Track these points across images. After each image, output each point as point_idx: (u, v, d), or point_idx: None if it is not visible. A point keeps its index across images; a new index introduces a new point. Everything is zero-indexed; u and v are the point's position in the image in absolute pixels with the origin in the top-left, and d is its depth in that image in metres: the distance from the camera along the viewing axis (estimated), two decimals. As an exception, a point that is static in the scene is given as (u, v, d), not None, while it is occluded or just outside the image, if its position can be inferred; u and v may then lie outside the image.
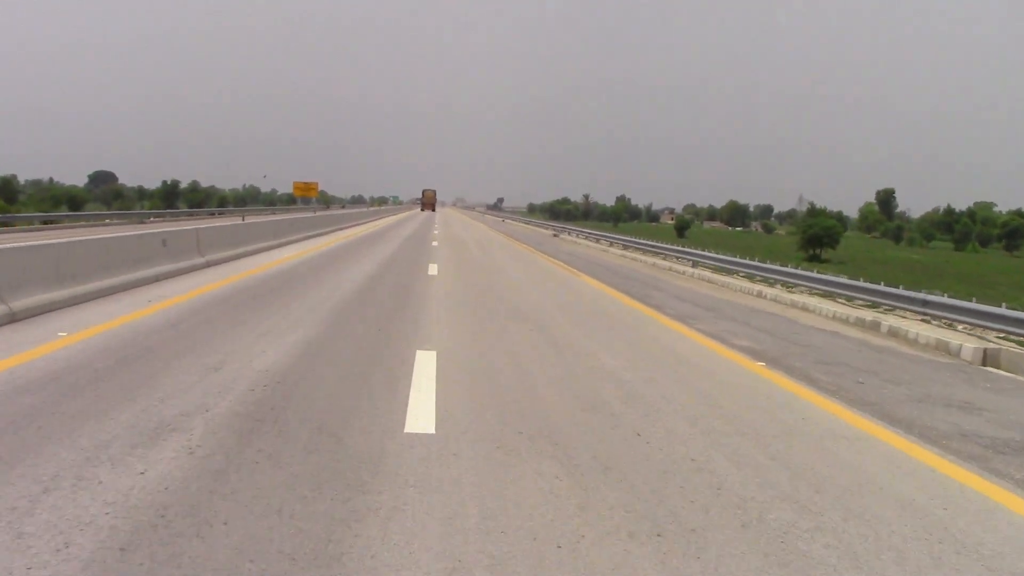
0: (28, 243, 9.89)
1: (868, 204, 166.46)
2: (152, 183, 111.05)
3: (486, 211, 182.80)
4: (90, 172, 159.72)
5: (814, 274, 15.82)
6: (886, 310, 13.31)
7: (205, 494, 3.92)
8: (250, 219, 34.98)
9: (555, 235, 48.19)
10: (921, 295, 11.99)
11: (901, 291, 12.56)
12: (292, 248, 23.06)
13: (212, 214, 60.94)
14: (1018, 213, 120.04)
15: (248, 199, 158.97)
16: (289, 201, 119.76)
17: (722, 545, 3.64)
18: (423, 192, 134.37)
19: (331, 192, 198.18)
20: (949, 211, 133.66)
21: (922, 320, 12.05)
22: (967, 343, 9.96)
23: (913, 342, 10.83)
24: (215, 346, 7.60)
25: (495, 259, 23.78)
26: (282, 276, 14.74)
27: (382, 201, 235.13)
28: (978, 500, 4.51)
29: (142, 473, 4.14)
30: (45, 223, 35.39)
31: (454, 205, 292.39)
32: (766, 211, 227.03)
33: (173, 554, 3.26)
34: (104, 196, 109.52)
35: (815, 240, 62.03)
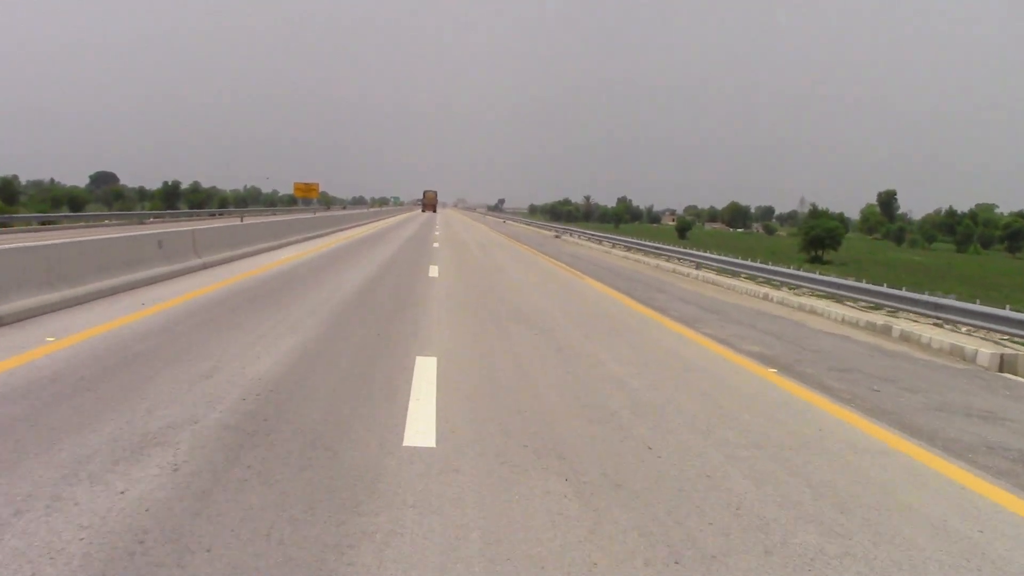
0: (18, 244, 9.64)
1: (869, 206, 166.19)
2: (153, 184, 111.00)
3: (487, 212, 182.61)
4: (91, 173, 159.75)
5: (822, 276, 15.54)
6: (892, 313, 13.03)
7: (188, 516, 3.65)
8: (249, 220, 34.74)
9: (557, 236, 47.94)
10: (934, 299, 11.72)
11: (913, 295, 12.28)
12: (292, 249, 22.80)
13: (212, 215, 60.72)
14: (1020, 215, 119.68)
15: (249, 200, 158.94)
16: (290, 202, 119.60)
17: (745, 574, 3.37)
18: (424, 193, 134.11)
19: (332, 193, 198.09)
20: (951, 213, 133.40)
21: (934, 324, 11.77)
22: (983, 348, 9.68)
23: (926, 347, 10.55)
24: (208, 352, 7.33)
25: (497, 261, 23.51)
26: (280, 278, 14.47)
27: (383, 202, 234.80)
28: (1015, 522, 4.23)
29: (122, 493, 3.87)
30: (43, 224, 35.14)
31: (455, 206, 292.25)
32: (767, 212, 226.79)
33: (149, 587, 2.99)
34: (105, 197, 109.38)
35: (817, 241, 61.78)
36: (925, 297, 11.97)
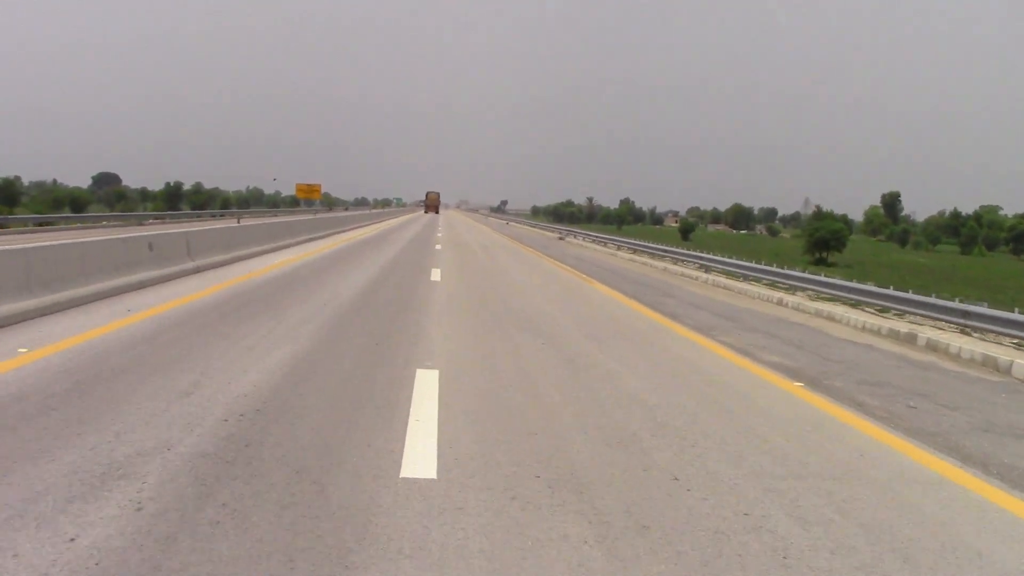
0: (-4, 248, 9.11)
1: (873, 207, 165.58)
2: (156, 184, 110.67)
3: (489, 213, 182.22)
4: (94, 174, 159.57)
5: (840, 282, 14.96)
6: (912, 318, 12.47)
7: (147, 570, 3.11)
8: (248, 221, 34.21)
9: (560, 238, 47.39)
10: (962, 305, 11.15)
11: (940, 301, 11.70)
12: (290, 252, 22.27)
13: (214, 216, 60.24)
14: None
15: (252, 201, 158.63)
16: (293, 203, 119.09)
17: (807, 649, 2.82)
18: (427, 194, 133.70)
19: (335, 194, 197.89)
20: (955, 214, 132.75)
21: (961, 332, 11.20)
22: (1019, 359, 9.11)
23: (956, 357, 9.99)
24: (191, 364, 6.79)
25: (500, 263, 22.96)
26: (277, 282, 13.93)
27: (385, 203, 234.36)
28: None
29: (72, 540, 3.32)
30: (40, 225, 34.63)
31: (457, 207, 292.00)
32: (770, 214, 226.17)
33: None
34: (107, 198, 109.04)
35: (822, 243, 61.20)
36: (953, 304, 11.40)
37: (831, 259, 59.45)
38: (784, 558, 3.56)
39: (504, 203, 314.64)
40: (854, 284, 14.44)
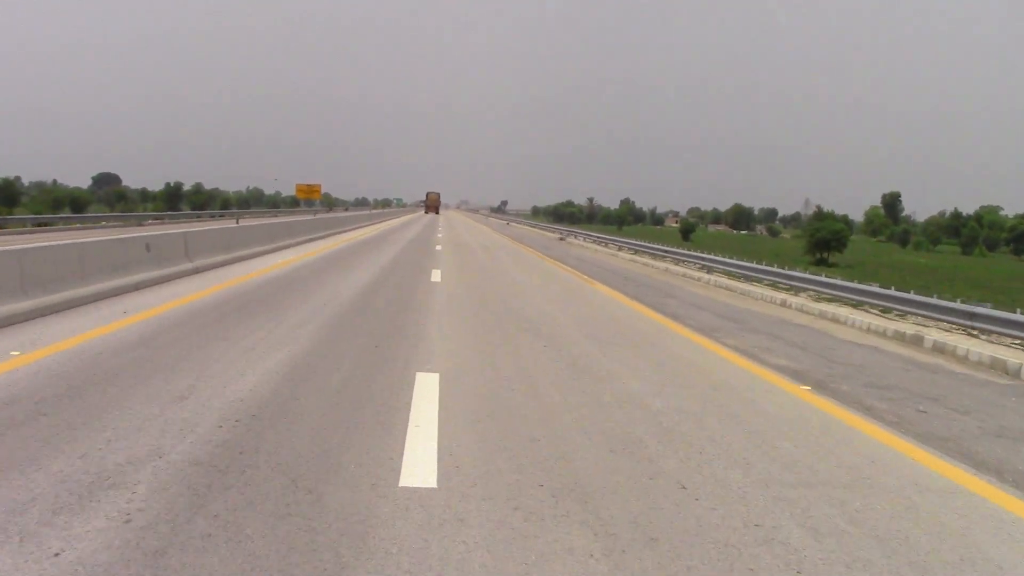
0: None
1: (873, 207, 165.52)
2: (156, 185, 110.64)
3: (490, 214, 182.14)
4: (94, 174, 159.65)
5: (845, 283, 14.81)
6: (918, 320, 12.34)
7: (134, 587, 2.98)
8: (247, 222, 34.08)
9: (561, 239, 47.25)
10: (968, 307, 11.01)
11: (945, 303, 11.56)
12: (290, 252, 22.14)
13: (213, 216, 60.11)
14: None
15: (252, 201, 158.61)
16: (293, 203, 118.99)
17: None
18: (427, 195, 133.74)
19: (335, 194, 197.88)
20: (956, 215, 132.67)
21: (967, 334, 11.07)
22: (1027, 362, 8.97)
23: (963, 359, 9.85)
24: (187, 367, 6.65)
25: (501, 264, 22.82)
26: (276, 283, 13.80)
27: (386, 203, 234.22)
28: None
29: (56, 555, 3.19)
30: (38, 225, 34.49)
31: (458, 208, 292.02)
32: (770, 214, 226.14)
33: None
34: (107, 198, 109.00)
35: (822, 244, 61.09)
36: (959, 305, 11.26)
37: (832, 259, 59.36)
38: (798, 572, 3.43)
39: (504, 203, 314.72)
40: (858, 285, 14.30)
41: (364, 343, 8.38)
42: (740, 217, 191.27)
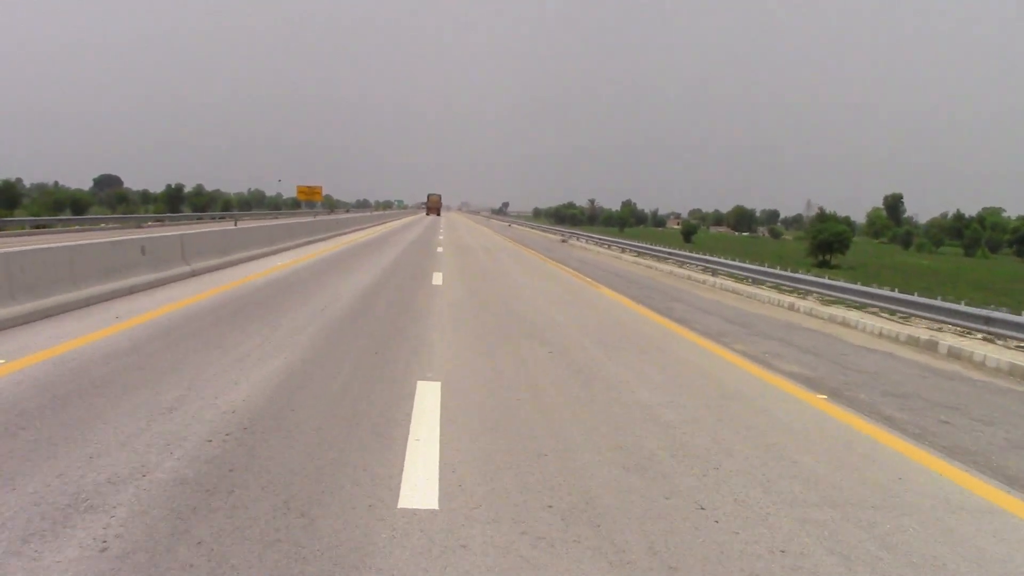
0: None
1: (876, 209, 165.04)
2: (157, 187, 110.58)
3: (491, 216, 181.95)
4: (95, 176, 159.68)
5: (854, 286, 14.50)
6: (932, 325, 12.06)
7: (105, 627, 2.70)
8: (245, 224, 33.84)
9: (564, 241, 46.97)
10: (984, 311, 10.71)
11: (961, 307, 11.26)
12: (290, 255, 21.88)
13: (214, 218, 59.86)
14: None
15: (253, 203, 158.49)
16: (294, 205, 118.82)
17: None
18: (428, 196, 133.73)
19: (337, 196, 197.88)
20: (959, 216, 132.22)
21: (984, 340, 10.78)
22: (1048, 369, 8.68)
23: (980, 366, 9.56)
24: (178, 377, 6.38)
25: (504, 267, 22.53)
26: (274, 286, 13.53)
27: (387, 205, 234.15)
28: None
29: (22, 590, 2.92)
30: (37, 227, 34.22)
31: (459, 209, 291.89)
32: (772, 216, 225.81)
33: None
34: (108, 200, 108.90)
35: (825, 246, 60.80)
36: (974, 310, 10.96)
37: (834, 261, 59.07)
38: (831, 606, 3.15)
39: (506, 205, 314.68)
40: (870, 289, 14.00)
41: (363, 349, 8.11)
42: (742, 219, 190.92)
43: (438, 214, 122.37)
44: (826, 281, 15.65)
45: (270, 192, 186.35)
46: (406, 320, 10.41)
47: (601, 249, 37.23)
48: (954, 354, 10.13)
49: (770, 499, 4.35)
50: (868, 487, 4.67)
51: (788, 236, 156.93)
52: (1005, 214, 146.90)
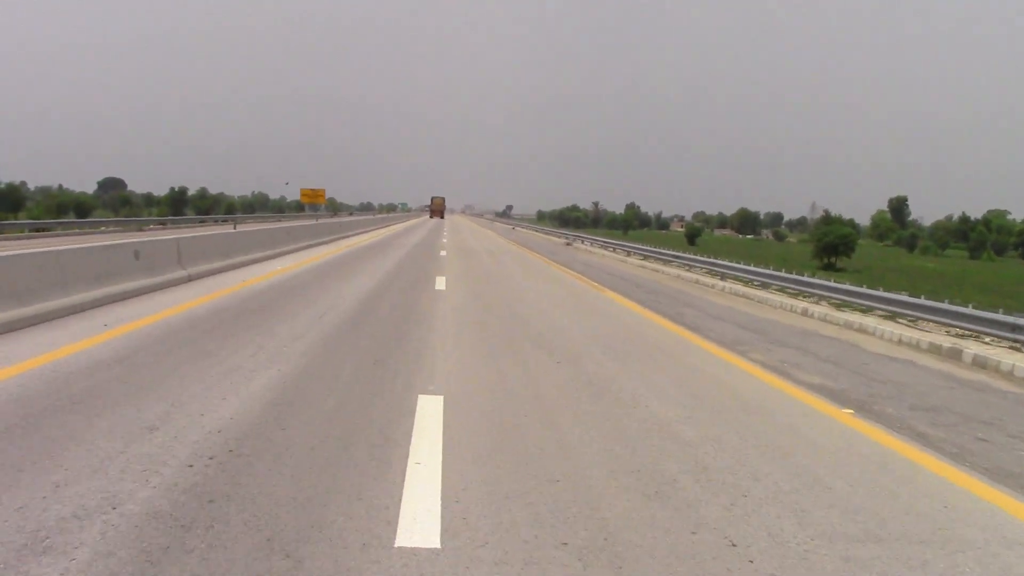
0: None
1: (880, 212, 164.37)
2: (161, 189, 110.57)
3: (495, 218, 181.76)
4: (99, 178, 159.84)
5: (874, 292, 14.03)
6: (952, 331, 11.63)
7: None
8: (246, 227, 33.49)
9: (568, 244, 46.55)
10: (1011, 318, 10.27)
11: (986, 313, 10.81)
12: (290, 259, 21.50)
13: (217, 221, 59.53)
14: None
15: (257, 205, 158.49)
16: (298, 208, 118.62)
17: None
18: (432, 199, 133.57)
19: (341, 199, 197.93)
20: (964, 219, 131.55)
21: (1011, 348, 10.34)
22: (1083, 380, 8.25)
23: (1008, 375, 9.13)
24: (164, 391, 5.98)
25: (508, 271, 22.13)
26: (272, 291, 13.13)
27: (391, 208, 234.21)
28: None
29: (-43, 655, 2.51)
30: (36, 231, 33.90)
31: (463, 212, 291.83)
32: (776, 219, 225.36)
33: None
34: (112, 203, 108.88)
35: (830, 248, 60.35)
36: (1000, 316, 10.52)
37: (840, 264, 58.62)
38: (893, 670, 2.73)
39: (509, 208, 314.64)
40: (888, 295, 13.55)
41: (362, 359, 7.71)
42: (746, 221, 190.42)
43: (442, 217, 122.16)
44: (840, 286, 15.17)
45: (274, 195, 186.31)
46: (408, 327, 10.01)
47: (606, 252, 36.81)
48: (979, 363, 9.69)
49: (806, 533, 3.93)
50: (912, 517, 4.25)
51: (792, 239, 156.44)
52: (1010, 216, 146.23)
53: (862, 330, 12.39)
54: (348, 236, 39.28)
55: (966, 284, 43.96)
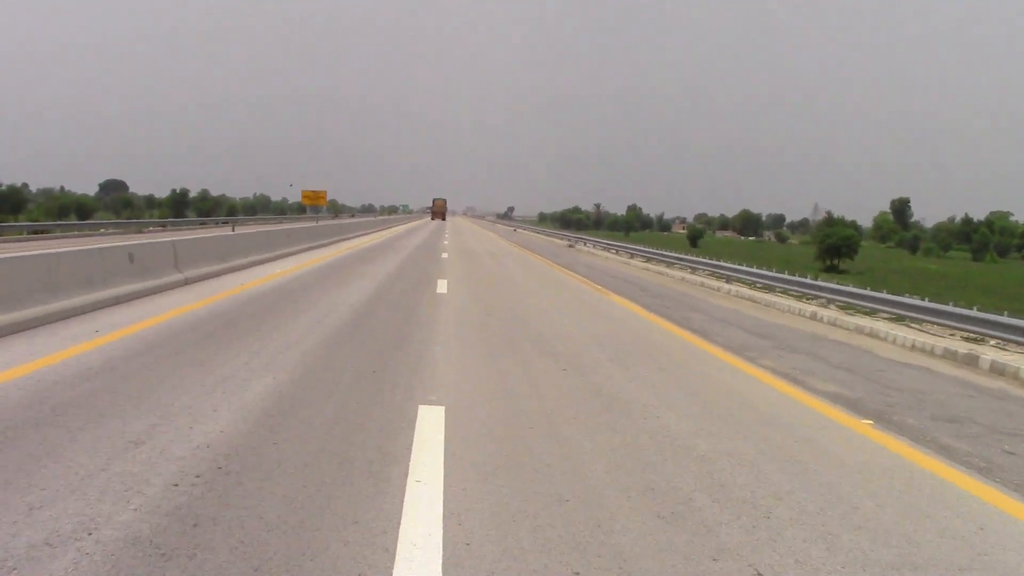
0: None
1: (882, 213, 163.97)
2: (162, 191, 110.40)
3: (496, 220, 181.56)
4: (101, 180, 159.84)
5: (885, 295, 13.74)
6: (969, 336, 11.35)
7: None
8: (246, 229, 33.24)
9: (570, 246, 46.27)
10: (1022, 322, 9.97)
11: (1005, 319, 10.51)
12: (290, 261, 21.24)
13: (218, 223, 59.31)
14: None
15: (259, 207, 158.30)
16: (300, 210, 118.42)
17: None
18: (433, 201, 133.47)
19: (342, 201, 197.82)
20: (967, 220, 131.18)
21: (1026, 353, 10.05)
22: (1108, 388, 7.96)
23: (1028, 383, 8.84)
24: (152, 402, 5.71)
25: (510, 273, 21.85)
26: (270, 295, 12.87)
27: (392, 210, 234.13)
28: None
29: None
30: (35, 233, 33.66)
31: (464, 214, 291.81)
32: (778, 220, 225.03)
33: None
34: (114, 205, 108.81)
35: (833, 250, 60.09)
36: (1011, 320, 10.22)
37: (842, 266, 58.32)
38: None
39: (511, 209, 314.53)
40: (901, 299, 13.23)
41: (361, 367, 7.44)
42: (748, 223, 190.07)
43: (443, 219, 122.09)
44: (852, 290, 14.86)
45: (276, 197, 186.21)
46: (408, 333, 9.73)
47: (609, 254, 36.53)
48: (997, 370, 9.40)
49: (837, 560, 3.65)
50: (948, 541, 3.97)
51: (794, 240, 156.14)
52: (1013, 218, 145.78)
53: (873, 335, 12.09)
54: (349, 238, 39.02)
55: (969, 286, 43.64)
